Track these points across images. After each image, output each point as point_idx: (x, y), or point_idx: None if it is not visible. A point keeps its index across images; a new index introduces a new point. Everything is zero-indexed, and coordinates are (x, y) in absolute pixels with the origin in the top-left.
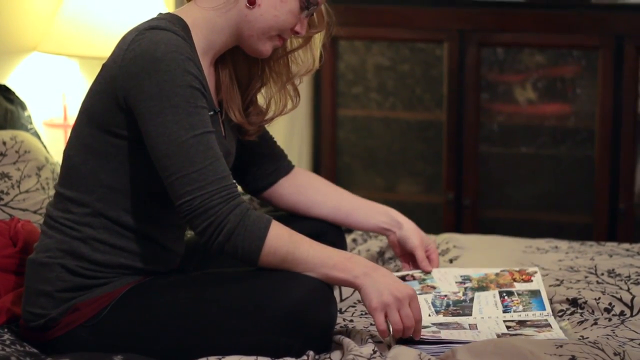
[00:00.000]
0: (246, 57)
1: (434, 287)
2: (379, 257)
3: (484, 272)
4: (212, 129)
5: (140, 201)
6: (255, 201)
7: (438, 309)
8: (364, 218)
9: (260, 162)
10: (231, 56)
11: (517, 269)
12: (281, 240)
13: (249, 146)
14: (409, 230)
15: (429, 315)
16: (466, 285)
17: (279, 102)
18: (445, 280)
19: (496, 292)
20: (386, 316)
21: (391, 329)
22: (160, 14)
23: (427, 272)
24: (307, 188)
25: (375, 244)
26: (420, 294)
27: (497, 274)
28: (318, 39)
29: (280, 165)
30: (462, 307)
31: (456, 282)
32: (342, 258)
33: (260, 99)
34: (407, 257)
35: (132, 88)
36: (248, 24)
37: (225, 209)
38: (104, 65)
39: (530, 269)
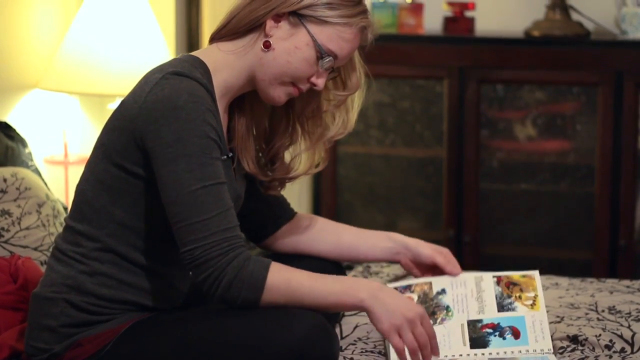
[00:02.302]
0: (267, 109)
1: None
2: None
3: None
4: (224, 181)
5: (151, 239)
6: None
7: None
8: (369, 248)
9: (262, 212)
10: (251, 107)
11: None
12: (280, 287)
13: (252, 196)
14: (419, 246)
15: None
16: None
17: (306, 162)
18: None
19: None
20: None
21: (407, 351)
22: (184, 55)
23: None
24: (306, 228)
25: (375, 280)
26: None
27: None
28: (356, 102)
29: (282, 215)
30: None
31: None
32: (345, 285)
33: (287, 156)
34: (429, 272)
35: (151, 132)
36: (261, 67)
37: (224, 262)
38: (122, 102)
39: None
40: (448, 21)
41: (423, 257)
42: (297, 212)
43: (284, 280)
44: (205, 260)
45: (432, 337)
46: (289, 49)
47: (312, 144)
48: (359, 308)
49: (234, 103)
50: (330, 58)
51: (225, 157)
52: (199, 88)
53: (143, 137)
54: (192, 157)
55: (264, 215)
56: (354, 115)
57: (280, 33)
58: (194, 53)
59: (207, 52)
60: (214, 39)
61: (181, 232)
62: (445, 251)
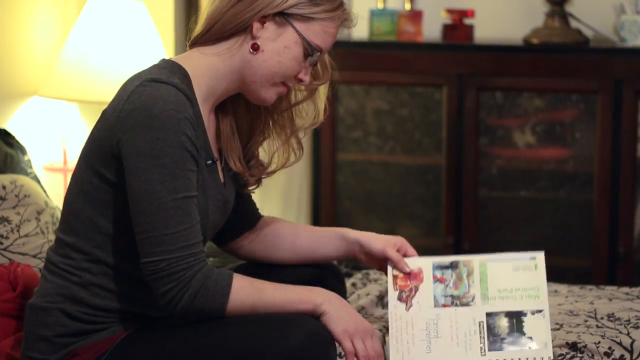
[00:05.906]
0: (248, 109)
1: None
2: (379, 301)
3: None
4: (195, 194)
5: (137, 248)
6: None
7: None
8: (324, 249)
9: (230, 217)
10: (233, 107)
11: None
12: (245, 291)
13: None
14: (371, 242)
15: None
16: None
17: (282, 156)
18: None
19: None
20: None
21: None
22: (162, 60)
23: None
24: (264, 236)
25: (375, 288)
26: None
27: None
28: (322, 91)
29: (247, 220)
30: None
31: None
32: (304, 290)
33: (262, 152)
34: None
35: (125, 140)
36: (251, 69)
37: (189, 275)
38: (104, 112)
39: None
40: (447, 29)
41: (373, 254)
42: (261, 217)
43: (248, 287)
44: (169, 274)
45: (379, 354)
46: (279, 49)
47: (286, 137)
48: (314, 313)
49: (217, 105)
50: (318, 53)
51: (210, 161)
52: (177, 94)
53: (119, 144)
54: (165, 168)
55: (229, 222)
56: (322, 105)
57: (268, 34)
58: (172, 58)
59: (186, 57)
60: (195, 44)
61: (146, 242)
62: (400, 241)
